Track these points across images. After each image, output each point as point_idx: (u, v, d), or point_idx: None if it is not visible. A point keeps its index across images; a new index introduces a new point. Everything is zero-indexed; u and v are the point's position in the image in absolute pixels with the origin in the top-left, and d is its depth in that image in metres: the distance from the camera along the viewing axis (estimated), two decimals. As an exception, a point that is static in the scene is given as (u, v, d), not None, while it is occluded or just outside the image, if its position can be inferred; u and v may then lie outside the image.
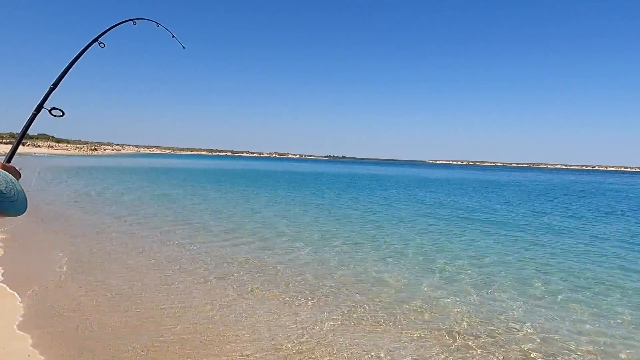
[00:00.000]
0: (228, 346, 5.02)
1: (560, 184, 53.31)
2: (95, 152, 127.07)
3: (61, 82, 3.02)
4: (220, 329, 5.48)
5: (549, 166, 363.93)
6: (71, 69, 3.18)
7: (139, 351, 4.77)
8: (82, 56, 3.43)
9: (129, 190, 22.86)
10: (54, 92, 2.92)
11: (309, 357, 4.90)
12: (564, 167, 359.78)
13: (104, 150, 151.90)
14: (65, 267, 7.85)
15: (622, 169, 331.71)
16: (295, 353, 4.97)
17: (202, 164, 79.04)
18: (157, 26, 4.72)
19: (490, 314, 6.52)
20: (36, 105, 2.72)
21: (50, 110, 2.75)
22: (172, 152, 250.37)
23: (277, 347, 5.08)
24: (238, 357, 4.78)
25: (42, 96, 2.84)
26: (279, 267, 8.64)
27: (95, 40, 3.58)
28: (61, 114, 2.73)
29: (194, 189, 25.58)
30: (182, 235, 11.37)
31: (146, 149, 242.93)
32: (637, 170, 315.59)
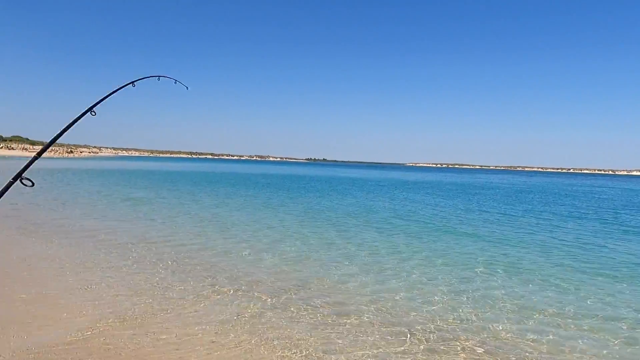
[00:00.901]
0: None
1: (535, 187, 54.66)
2: (71, 155, 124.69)
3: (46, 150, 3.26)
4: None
5: (526, 169, 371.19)
6: (60, 137, 3.42)
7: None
8: (74, 124, 3.61)
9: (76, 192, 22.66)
10: (37, 160, 3.08)
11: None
12: (540, 169, 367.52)
13: (81, 152, 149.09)
14: None
15: (596, 171, 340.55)
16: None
17: (180, 167, 78.32)
18: (175, 82, 6.10)
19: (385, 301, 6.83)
20: (16, 174, 2.82)
21: (21, 180, 2.85)
22: (151, 155, 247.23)
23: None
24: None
25: (25, 164, 2.93)
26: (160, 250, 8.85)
27: (89, 110, 3.80)
28: (31, 184, 2.83)
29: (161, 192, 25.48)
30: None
31: (124, 152, 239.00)
32: (610, 172, 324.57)
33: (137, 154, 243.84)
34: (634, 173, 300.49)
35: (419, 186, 46.03)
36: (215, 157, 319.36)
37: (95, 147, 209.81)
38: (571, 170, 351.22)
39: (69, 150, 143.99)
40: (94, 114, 3.81)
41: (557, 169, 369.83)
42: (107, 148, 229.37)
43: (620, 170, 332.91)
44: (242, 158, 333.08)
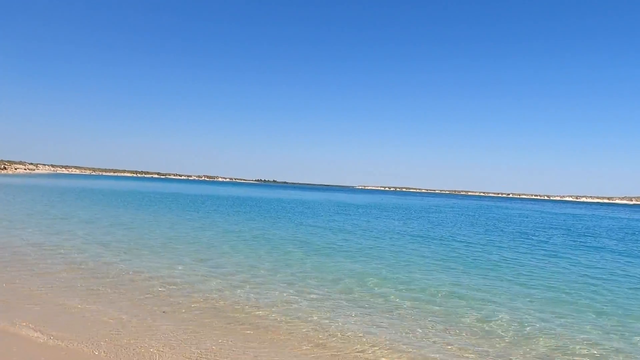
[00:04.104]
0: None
1: (471, 208, 57.84)
2: (4, 172, 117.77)
3: None
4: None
5: (469, 193, 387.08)
6: None
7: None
8: None
9: None
10: None
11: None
12: (482, 194, 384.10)
13: (15, 169, 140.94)
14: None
15: (533, 196, 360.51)
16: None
17: (122, 186, 76.14)
18: None
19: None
20: None
21: None
22: (93, 173, 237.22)
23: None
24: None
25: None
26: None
27: None
28: None
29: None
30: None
31: (64, 169, 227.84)
32: (545, 197, 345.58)
33: (77, 172, 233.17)
34: (567, 198, 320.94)
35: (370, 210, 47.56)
36: (162, 176, 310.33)
37: (31, 164, 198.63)
38: (510, 195, 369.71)
39: (2, 166, 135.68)
40: None
41: (497, 193, 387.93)
42: (45, 165, 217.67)
43: (555, 196, 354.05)
44: (190, 178, 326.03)
